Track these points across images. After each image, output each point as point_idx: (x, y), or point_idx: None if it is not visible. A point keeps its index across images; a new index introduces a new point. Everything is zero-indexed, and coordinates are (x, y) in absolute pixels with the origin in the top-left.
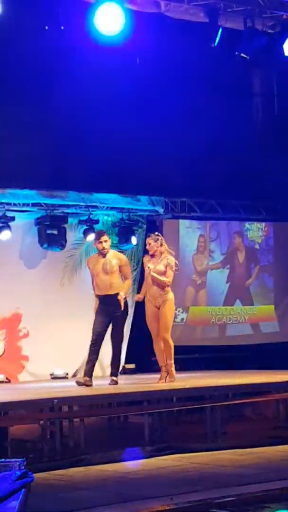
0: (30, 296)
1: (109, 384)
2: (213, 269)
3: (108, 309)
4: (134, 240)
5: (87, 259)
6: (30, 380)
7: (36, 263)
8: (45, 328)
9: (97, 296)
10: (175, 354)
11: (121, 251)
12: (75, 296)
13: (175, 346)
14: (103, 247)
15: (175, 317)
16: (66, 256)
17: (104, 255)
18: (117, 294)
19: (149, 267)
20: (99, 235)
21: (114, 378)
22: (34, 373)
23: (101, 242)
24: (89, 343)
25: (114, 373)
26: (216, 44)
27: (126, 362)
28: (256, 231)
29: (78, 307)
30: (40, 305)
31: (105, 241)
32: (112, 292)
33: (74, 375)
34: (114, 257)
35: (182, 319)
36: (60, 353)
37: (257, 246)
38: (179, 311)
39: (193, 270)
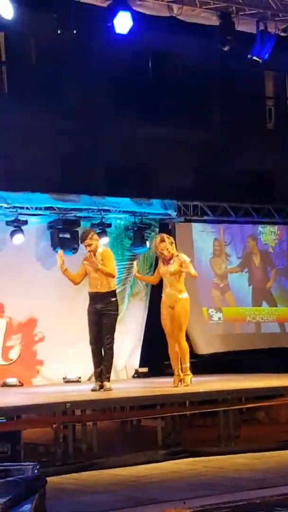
0: (45, 300)
1: (92, 390)
2: (232, 272)
3: (96, 307)
4: (147, 243)
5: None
6: (44, 384)
7: (51, 267)
8: (60, 332)
9: (89, 293)
10: (190, 358)
11: (134, 255)
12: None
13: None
14: (88, 250)
15: (212, 316)
16: (80, 260)
17: (93, 254)
18: (106, 292)
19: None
20: (80, 240)
21: (106, 384)
22: (49, 377)
23: (85, 246)
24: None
25: (105, 378)
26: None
27: (139, 366)
28: (269, 234)
29: None
30: (56, 309)
31: (88, 245)
32: (102, 290)
33: (89, 379)
34: (100, 255)
35: (219, 318)
36: (75, 357)
37: (271, 250)
38: (212, 311)
39: (212, 274)
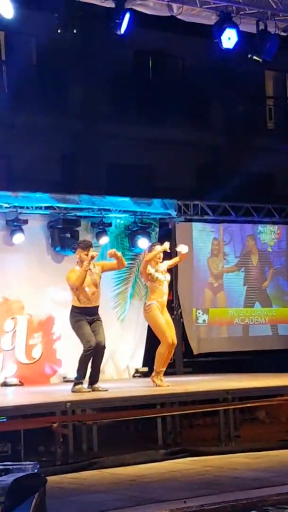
0: (59, 298)
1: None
2: (228, 272)
3: (93, 318)
4: (146, 243)
5: (70, 273)
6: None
7: (61, 264)
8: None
9: (83, 308)
10: (188, 357)
11: (135, 255)
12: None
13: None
14: (90, 260)
15: (197, 318)
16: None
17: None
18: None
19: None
20: (89, 246)
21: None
22: (65, 377)
23: (88, 256)
24: (114, 345)
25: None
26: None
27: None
28: (269, 233)
29: (104, 309)
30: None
31: (92, 256)
32: (97, 304)
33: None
34: (97, 268)
35: (204, 320)
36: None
37: (269, 249)
38: (199, 313)
39: (208, 273)
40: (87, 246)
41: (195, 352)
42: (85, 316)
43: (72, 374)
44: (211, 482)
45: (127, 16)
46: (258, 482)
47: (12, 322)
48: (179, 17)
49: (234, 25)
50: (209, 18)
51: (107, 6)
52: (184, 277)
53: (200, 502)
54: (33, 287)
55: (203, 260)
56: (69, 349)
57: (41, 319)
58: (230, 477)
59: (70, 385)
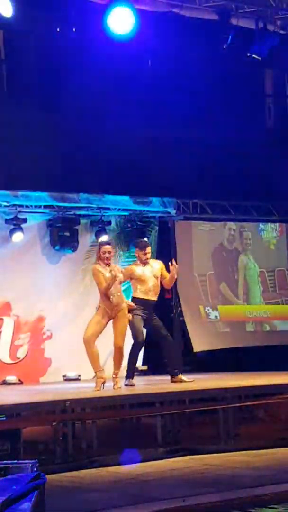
0: (52, 298)
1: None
2: (232, 270)
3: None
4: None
5: (132, 266)
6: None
7: (55, 263)
8: (68, 330)
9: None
10: (187, 355)
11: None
12: (96, 297)
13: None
14: (148, 258)
15: (209, 315)
16: (84, 258)
17: (145, 265)
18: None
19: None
20: (147, 245)
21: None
22: (57, 376)
23: (146, 253)
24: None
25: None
26: (226, 45)
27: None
28: (270, 231)
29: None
30: (63, 306)
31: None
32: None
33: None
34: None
35: (216, 316)
36: (83, 355)
37: (272, 247)
38: (208, 309)
39: (212, 271)
40: (145, 246)
41: (201, 349)
42: (142, 310)
43: (71, 373)
44: (210, 481)
45: (129, 13)
46: (258, 480)
47: None
48: (178, 13)
49: (233, 26)
50: (209, 14)
51: (103, 3)
52: (185, 276)
53: (199, 500)
54: (25, 287)
55: (205, 259)
56: (61, 348)
57: (30, 319)
58: (230, 475)
59: (70, 384)
